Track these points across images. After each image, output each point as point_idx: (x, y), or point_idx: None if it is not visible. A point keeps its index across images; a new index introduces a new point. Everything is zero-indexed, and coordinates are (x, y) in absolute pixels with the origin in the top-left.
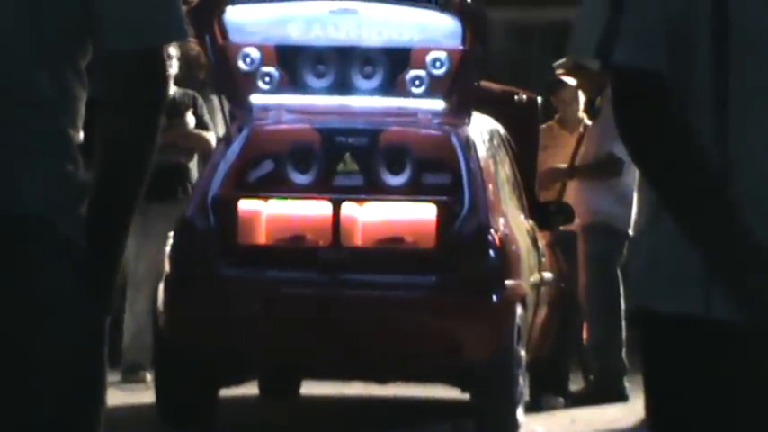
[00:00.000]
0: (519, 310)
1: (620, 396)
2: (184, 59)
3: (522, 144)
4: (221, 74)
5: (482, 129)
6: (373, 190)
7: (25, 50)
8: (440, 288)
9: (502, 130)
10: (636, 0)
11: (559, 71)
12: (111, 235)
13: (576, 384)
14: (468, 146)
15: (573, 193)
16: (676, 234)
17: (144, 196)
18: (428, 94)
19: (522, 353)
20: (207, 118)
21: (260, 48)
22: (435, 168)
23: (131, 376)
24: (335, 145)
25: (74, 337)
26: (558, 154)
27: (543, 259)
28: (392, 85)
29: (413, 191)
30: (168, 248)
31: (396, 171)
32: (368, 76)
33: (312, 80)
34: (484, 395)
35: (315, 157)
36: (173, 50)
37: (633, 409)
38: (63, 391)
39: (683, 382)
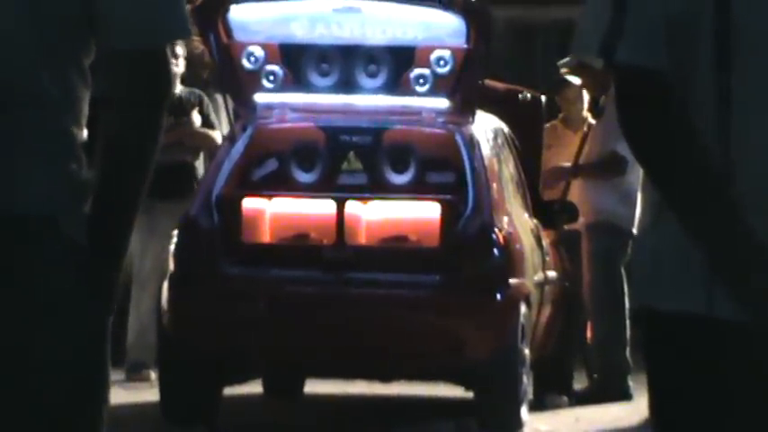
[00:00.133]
0: (523, 308)
1: (624, 395)
2: (188, 58)
3: (527, 143)
4: (225, 72)
5: (486, 127)
6: (377, 188)
7: (27, 51)
8: (444, 287)
9: (506, 129)
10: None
11: (563, 70)
12: (114, 233)
13: (579, 383)
14: (472, 144)
15: (577, 192)
16: (680, 233)
17: (150, 194)
18: (432, 92)
19: (526, 352)
20: (213, 116)
21: (264, 46)
22: (439, 167)
23: (135, 375)
24: (339, 143)
25: (75, 337)
26: (562, 153)
27: (547, 258)
28: (396, 84)
29: (417, 189)
30: (172, 247)
31: (400, 170)
32: (372, 75)
33: (316, 79)
34: (487, 394)
35: (319, 155)
36: (179, 49)
37: (637, 407)
38: (64, 391)
39: (685, 380)
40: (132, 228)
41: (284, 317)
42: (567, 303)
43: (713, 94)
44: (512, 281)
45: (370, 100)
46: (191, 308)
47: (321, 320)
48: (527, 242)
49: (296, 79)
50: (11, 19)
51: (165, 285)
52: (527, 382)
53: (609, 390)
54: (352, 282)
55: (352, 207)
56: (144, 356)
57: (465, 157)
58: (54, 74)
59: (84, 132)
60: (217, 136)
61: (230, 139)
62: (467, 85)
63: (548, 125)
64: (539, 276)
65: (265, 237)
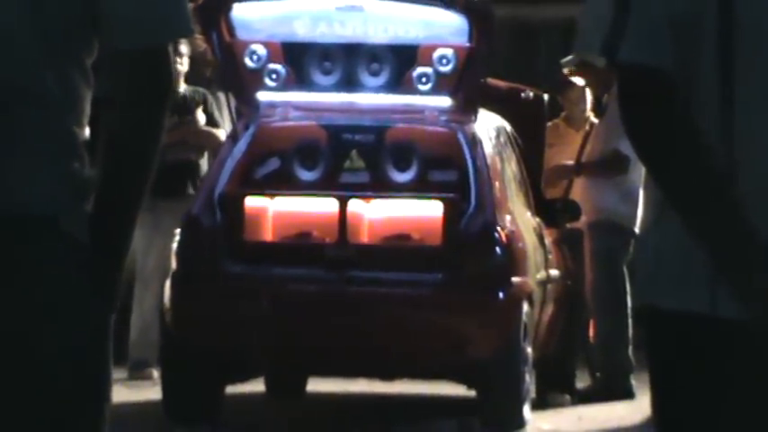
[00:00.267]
0: (525, 307)
1: (626, 393)
2: (191, 56)
3: (529, 141)
4: (228, 71)
5: (489, 126)
6: (380, 187)
7: (29, 50)
8: (446, 285)
9: (508, 128)
10: None
11: (566, 69)
12: (116, 232)
13: (582, 382)
14: (474, 143)
15: (579, 191)
16: (682, 232)
17: (153, 193)
18: (435, 91)
19: (529, 350)
20: (217, 115)
21: (266, 45)
22: (442, 165)
23: (138, 373)
24: (342, 142)
25: (77, 335)
26: (564, 151)
27: (550, 256)
28: (399, 83)
29: (419, 188)
30: (175, 245)
31: (402, 168)
32: (374, 74)
33: (319, 77)
34: (490, 392)
35: (321, 154)
36: (184, 48)
37: (640, 406)
38: (67, 389)
39: (688, 379)
40: (134, 226)
41: (287, 315)
42: (569, 302)
43: (716, 94)
44: (514, 279)
45: (372, 98)
46: (193, 306)
47: (324, 319)
48: (529, 241)
49: (298, 78)
50: (13, 18)
51: (168, 283)
52: (529, 380)
53: (611, 388)
54: (354, 280)
55: (354, 205)
56: (147, 354)
57: (467, 156)
58: (56, 73)
59: (87, 131)
60: (221, 134)
61: (233, 137)
62: (469, 84)
63: (550, 124)
64: (541, 275)
65: (268, 235)
